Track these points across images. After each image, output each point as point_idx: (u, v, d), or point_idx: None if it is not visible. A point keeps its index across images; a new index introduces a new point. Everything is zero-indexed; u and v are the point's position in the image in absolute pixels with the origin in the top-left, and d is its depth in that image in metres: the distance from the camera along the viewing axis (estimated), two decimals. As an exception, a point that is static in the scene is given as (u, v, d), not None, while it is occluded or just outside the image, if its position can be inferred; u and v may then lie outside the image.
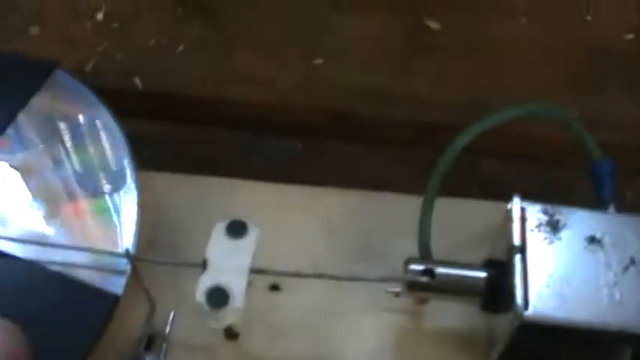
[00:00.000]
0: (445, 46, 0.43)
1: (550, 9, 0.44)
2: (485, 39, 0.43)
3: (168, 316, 0.32)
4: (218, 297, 0.28)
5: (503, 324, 0.29)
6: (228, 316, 0.29)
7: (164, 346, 0.32)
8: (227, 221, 0.30)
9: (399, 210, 0.35)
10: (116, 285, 0.30)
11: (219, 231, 0.30)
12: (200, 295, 0.28)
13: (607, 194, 0.33)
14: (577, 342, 0.28)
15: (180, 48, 0.43)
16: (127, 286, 0.31)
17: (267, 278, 0.33)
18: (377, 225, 0.35)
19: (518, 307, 0.27)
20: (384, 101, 0.41)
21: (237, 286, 0.28)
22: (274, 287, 0.33)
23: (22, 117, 0.35)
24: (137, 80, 0.42)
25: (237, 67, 0.42)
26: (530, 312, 0.27)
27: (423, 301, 0.32)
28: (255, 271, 0.29)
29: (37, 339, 0.29)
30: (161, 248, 0.33)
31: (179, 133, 0.41)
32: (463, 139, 0.31)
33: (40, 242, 0.31)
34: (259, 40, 0.42)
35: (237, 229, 0.30)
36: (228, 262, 0.29)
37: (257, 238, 0.30)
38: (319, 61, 0.42)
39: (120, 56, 0.43)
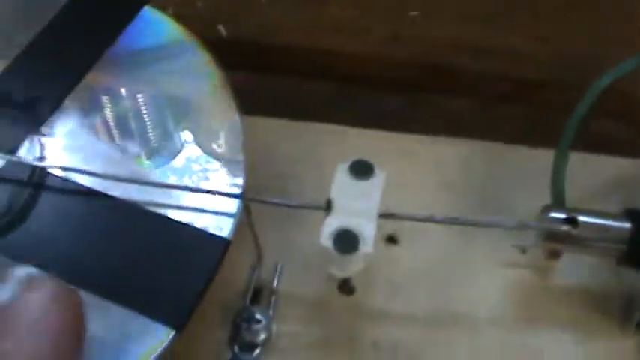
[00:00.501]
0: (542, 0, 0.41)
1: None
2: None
3: (274, 267, 0.30)
4: (347, 241, 0.26)
5: (648, 280, 0.27)
6: (356, 263, 0.27)
7: (272, 299, 0.30)
8: (351, 161, 0.28)
9: (513, 161, 0.33)
10: (225, 229, 0.28)
11: (342, 172, 0.28)
12: (326, 239, 0.26)
13: None
14: None
15: (266, -4, 0.41)
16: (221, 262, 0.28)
17: (383, 230, 0.31)
18: (492, 176, 0.32)
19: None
20: (479, 55, 0.39)
21: (366, 229, 0.26)
22: (391, 239, 0.31)
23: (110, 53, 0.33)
24: (221, 28, 0.40)
25: (328, 17, 0.40)
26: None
27: (554, 256, 0.30)
28: (383, 216, 0.27)
29: (147, 287, 0.27)
30: (269, 195, 0.30)
31: (266, 82, 0.38)
32: (602, 82, 0.29)
33: (148, 183, 0.29)
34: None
35: (362, 170, 0.28)
36: (355, 205, 0.27)
37: (384, 180, 0.28)
38: (415, 13, 0.40)
39: (200, 4, 0.41)
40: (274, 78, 0.39)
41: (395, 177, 0.28)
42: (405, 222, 0.30)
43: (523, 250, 0.30)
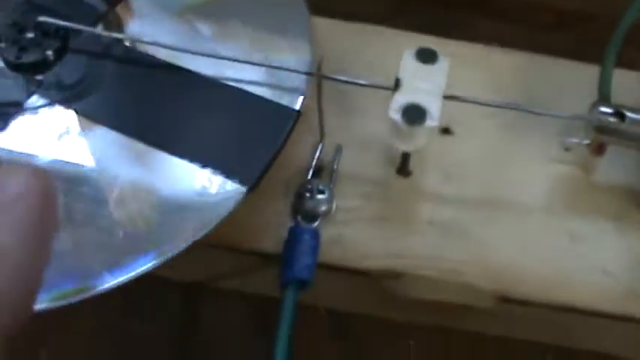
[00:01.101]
0: None
1: None
2: None
3: (335, 149, 0.32)
4: (414, 114, 0.28)
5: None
6: (423, 135, 0.28)
7: (333, 176, 0.31)
8: (416, 48, 0.30)
9: (562, 73, 0.35)
10: (297, 103, 0.30)
11: (409, 56, 0.30)
12: (395, 112, 0.28)
13: None
14: None
15: None
16: (292, 131, 0.30)
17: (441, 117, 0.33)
18: (543, 85, 0.35)
19: None
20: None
21: (433, 105, 0.28)
22: (446, 130, 0.33)
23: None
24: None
25: None
26: None
27: (598, 151, 0.32)
28: (447, 97, 0.29)
29: (223, 149, 0.29)
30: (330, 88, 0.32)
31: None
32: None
33: (225, 57, 0.30)
34: None
35: (427, 56, 0.30)
36: (421, 84, 0.29)
37: (448, 67, 0.30)
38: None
39: None
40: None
41: (451, 80, 0.30)
42: (458, 115, 0.33)
43: (567, 148, 0.32)
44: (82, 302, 0.26)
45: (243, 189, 0.28)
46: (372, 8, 0.39)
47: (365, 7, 0.39)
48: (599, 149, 0.32)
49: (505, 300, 0.30)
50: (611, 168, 0.32)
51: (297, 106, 0.30)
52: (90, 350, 0.34)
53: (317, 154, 0.31)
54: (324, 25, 0.35)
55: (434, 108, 0.28)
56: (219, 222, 0.28)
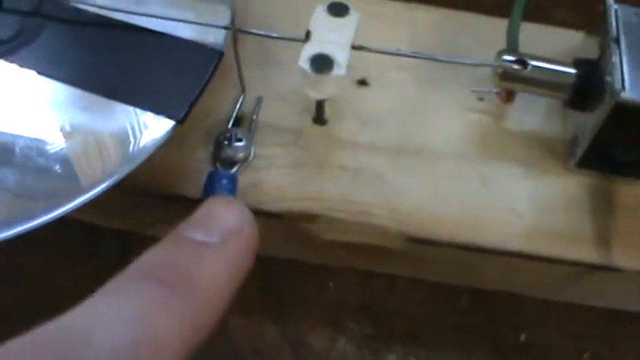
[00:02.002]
0: None
1: None
2: None
3: (255, 101, 0.34)
4: (322, 63, 0.30)
5: (590, 119, 0.32)
6: (330, 84, 0.31)
7: (252, 125, 0.34)
8: (328, 2, 0.32)
9: (480, 29, 0.37)
10: (218, 45, 0.32)
11: (320, 10, 0.32)
12: (304, 61, 0.30)
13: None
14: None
15: None
16: (216, 70, 0.33)
17: (355, 73, 0.35)
18: (459, 39, 0.37)
19: (616, 89, 0.30)
20: None
21: (340, 55, 0.30)
22: (362, 82, 0.35)
23: None
24: None
25: None
26: (626, 94, 0.30)
27: (508, 99, 0.34)
28: (355, 48, 0.31)
29: (153, 88, 0.31)
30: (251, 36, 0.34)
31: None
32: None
33: (153, 15, 0.33)
34: None
35: (338, 9, 0.32)
36: (330, 36, 0.31)
37: (358, 19, 0.32)
38: None
39: None
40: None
41: (367, 34, 0.32)
42: (375, 68, 0.35)
43: (481, 98, 0.35)
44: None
45: (172, 122, 0.30)
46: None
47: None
48: (508, 97, 0.34)
49: (414, 240, 0.32)
50: (522, 115, 0.35)
51: (220, 47, 0.32)
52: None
53: (237, 105, 0.34)
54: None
55: (341, 57, 0.30)
56: (152, 153, 0.30)
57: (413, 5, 0.38)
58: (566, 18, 0.43)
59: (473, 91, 0.34)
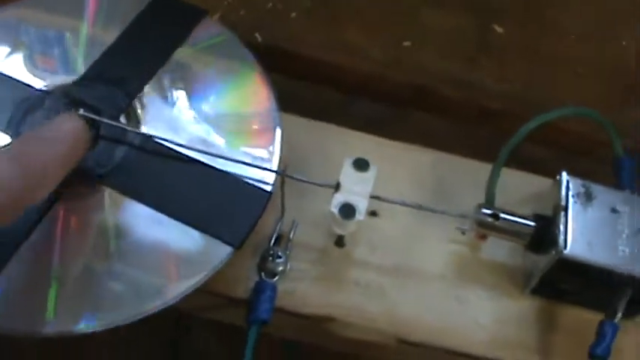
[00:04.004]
0: (506, 47, 0.59)
1: (594, 32, 0.60)
2: (539, 48, 0.59)
3: (292, 224, 0.48)
4: (348, 210, 0.44)
5: (542, 262, 0.45)
6: (352, 226, 0.44)
7: (289, 245, 0.47)
8: (354, 158, 0.46)
9: (468, 171, 0.51)
10: (269, 187, 0.46)
11: (348, 164, 0.45)
12: (334, 208, 0.44)
13: (626, 182, 0.49)
14: (594, 278, 0.44)
15: (294, 14, 0.58)
16: (267, 206, 0.46)
17: (368, 207, 0.49)
18: (450, 179, 0.51)
19: (560, 246, 0.43)
20: (455, 84, 0.57)
21: (362, 204, 0.44)
22: (373, 213, 0.49)
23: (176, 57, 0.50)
24: (257, 35, 0.57)
25: (340, 38, 0.57)
26: (567, 251, 0.44)
27: (482, 238, 0.48)
28: (372, 197, 0.45)
29: (217, 217, 0.44)
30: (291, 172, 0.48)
31: (289, 84, 0.56)
32: (533, 124, 0.47)
33: (224, 157, 0.46)
34: (361, 19, 0.58)
35: (362, 165, 0.45)
36: (354, 188, 0.45)
37: (376, 174, 0.45)
38: (407, 43, 0.58)
39: (243, 12, 0.58)
40: (294, 82, 0.56)
41: (380, 170, 0.46)
42: (385, 203, 0.48)
43: (463, 232, 0.48)
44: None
45: (231, 248, 0.44)
46: (322, 105, 0.55)
47: (318, 104, 0.55)
48: (482, 236, 0.48)
49: (404, 342, 0.46)
50: (492, 250, 0.49)
51: (269, 189, 0.46)
52: None
53: (277, 227, 0.47)
54: (286, 119, 0.50)
55: (362, 206, 0.44)
56: (215, 272, 0.43)
57: (414, 147, 0.52)
58: (544, 154, 0.58)
59: (456, 228, 0.48)
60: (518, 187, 0.50)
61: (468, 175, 0.51)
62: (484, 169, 0.48)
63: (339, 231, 0.46)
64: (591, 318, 0.45)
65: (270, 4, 0.58)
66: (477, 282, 0.48)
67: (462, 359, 0.47)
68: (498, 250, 0.49)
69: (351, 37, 0.58)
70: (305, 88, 0.56)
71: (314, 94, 0.57)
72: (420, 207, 0.46)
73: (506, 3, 0.60)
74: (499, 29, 0.59)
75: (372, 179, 0.45)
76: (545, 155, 0.56)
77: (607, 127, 0.50)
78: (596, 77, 0.59)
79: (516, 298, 0.48)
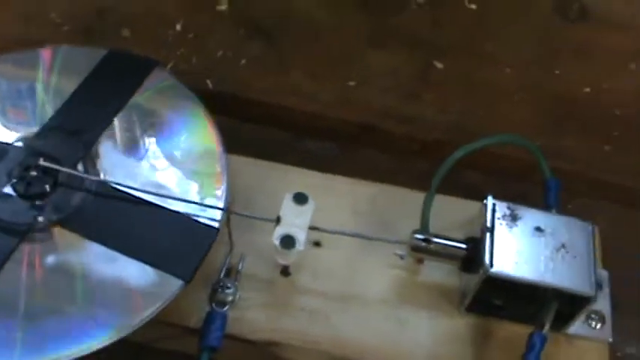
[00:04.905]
0: (446, 81, 0.65)
1: (528, 63, 0.65)
2: (477, 80, 0.65)
3: (240, 257, 0.52)
4: (288, 242, 0.49)
5: (473, 280, 0.50)
6: (293, 255, 0.49)
7: (238, 275, 0.52)
8: (294, 193, 0.51)
9: (406, 201, 0.56)
10: (215, 223, 0.50)
11: (288, 199, 0.50)
12: (276, 239, 0.49)
13: (552, 202, 0.54)
14: (521, 293, 0.49)
15: (243, 61, 0.63)
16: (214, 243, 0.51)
17: (312, 237, 0.54)
18: (388, 209, 0.55)
19: (486, 265, 0.48)
20: (398, 120, 0.62)
21: (301, 235, 0.49)
22: (317, 244, 0.54)
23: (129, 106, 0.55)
24: (208, 82, 0.62)
25: (288, 81, 0.63)
26: (493, 269, 0.48)
27: (419, 261, 0.53)
28: (311, 228, 0.50)
29: (168, 253, 0.49)
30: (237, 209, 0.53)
31: (239, 127, 0.61)
32: (459, 153, 0.52)
33: (164, 195, 0.51)
34: (307, 63, 0.63)
35: (301, 199, 0.50)
36: (294, 220, 0.50)
37: (314, 207, 0.50)
38: (352, 83, 0.63)
39: (194, 61, 0.63)
40: (245, 125, 0.61)
41: (322, 204, 0.50)
42: (328, 234, 0.53)
43: (402, 257, 0.53)
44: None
45: (182, 282, 0.48)
46: (273, 146, 0.60)
47: (268, 144, 0.60)
48: (419, 260, 0.53)
49: (349, 362, 0.51)
50: (431, 273, 0.53)
51: (217, 225, 0.51)
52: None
53: (227, 260, 0.52)
54: (235, 160, 0.56)
55: (301, 237, 0.49)
56: (168, 304, 0.48)
57: (354, 180, 0.57)
58: (482, 180, 0.63)
59: (395, 253, 0.53)
60: (454, 213, 0.54)
61: (406, 205, 0.55)
62: (422, 198, 0.53)
63: (281, 261, 0.50)
64: (524, 332, 0.49)
65: (221, 52, 0.63)
66: (417, 304, 0.53)
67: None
68: (436, 272, 0.53)
69: (298, 80, 0.63)
70: (256, 130, 0.61)
71: (264, 135, 0.62)
72: (357, 235, 0.51)
73: (446, 40, 0.66)
74: (439, 65, 0.65)
75: (311, 212, 0.50)
76: (483, 180, 0.61)
77: (533, 151, 0.55)
78: (532, 105, 0.64)
79: (454, 316, 0.52)
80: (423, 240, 0.51)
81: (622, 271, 0.59)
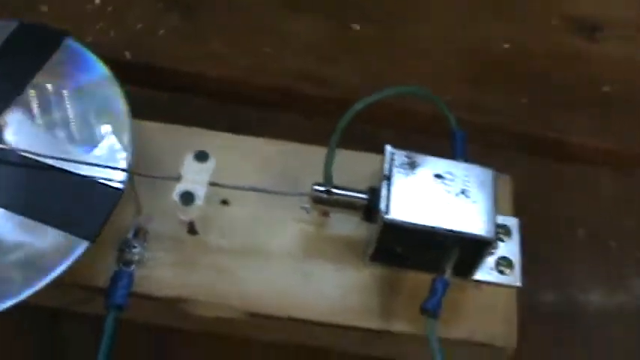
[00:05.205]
0: (364, 43, 0.66)
1: (447, 20, 0.66)
2: (394, 39, 0.66)
3: (148, 217, 0.54)
4: (188, 198, 0.50)
5: (374, 230, 0.51)
6: (194, 211, 0.50)
7: (146, 235, 0.53)
8: (196, 151, 0.52)
9: (314, 157, 0.56)
10: (120, 185, 0.52)
11: (189, 157, 0.52)
12: (176, 196, 0.50)
13: (458, 153, 0.55)
14: (422, 239, 0.50)
15: (162, 32, 0.65)
16: (123, 195, 0.52)
17: (220, 195, 0.55)
18: (298, 167, 0.56)
19: (382, 213, 0.49)
20: (315, 83, 0.63)
21: (200, 191, 0.50)
22: (225, 202, 0.55)
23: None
24: (127, 53, 0.63)
25: (206, 50, 0.64)
26: (389, 216, 0.49)
27: (325, 214, 0.54)
28: (211, 184, 0.51)
29: (73, 213, 0.50)
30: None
31: (158, 97, 0.62)
32: (359, 105, 0.53)
33: (68, 159, 0.52)
34: (225, 30, 0.65)
35: (202, 157, 0.52)
36: (195, 177, 0.51)
37: (214, 164, 0.51)
38: (269, 49, 0.65)
39: (113, 34, 0.64)
40: (163, 95, 0.63)
41: (230, 163, 0.52)
42: (234, 191, 0.54)
43: (307, 211, 0.54)
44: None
45: (87, 242, 0.50)
46: (189, 111, 0.62)
47: (184, 110, 0.61)
48: (325, 213, 0.54)
49: (255, 315, 0.52)
50: (338, 225, 0.55)
51: (121, 187, 0.52)
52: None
53: (135, 221, 0.53)
54: (147, 126, 0.57)
55: (200, 193, 0.50)
56: (74, 264, 0.49)
57: (263, 139, 0.58)
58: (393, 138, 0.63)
59: (301, 207, 0.54)
60: (362, 167, 0.55)
61: (314, 161, 0.56)
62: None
63: (183, 217, 0.52)
64: (429, 279, 0.51)
65: (140, 25, 0.65)
66: (323, 256, 0.54)
67: (310, 327, 0.52)
68: (344, 225, 0.55)
69: (216, 48, 0.64)
70: (174, 99, 0.63)
71: (183, 104, 0.63)
72: (254, 189, 0.53)
73: (362, 1, 0.67)
74: (356, 26, 0.66)
75: (211, 169, 0.52)
76: (401, 138, 0.62)
77: (436, 102, 0.56)
78: (450, 62, 0.65)
79: (360, 268, 0.53)
80: (324, 192, 0.52)
81: (538, 220, 0.61)
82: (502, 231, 0.56)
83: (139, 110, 0.58)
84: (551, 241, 0.62)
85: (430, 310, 0.49)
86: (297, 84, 0.64)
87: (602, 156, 0.66)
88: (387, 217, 0.49)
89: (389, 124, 0.61)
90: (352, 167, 0.55)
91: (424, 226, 0.50)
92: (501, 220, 0.56)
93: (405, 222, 0.50)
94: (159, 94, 0.63)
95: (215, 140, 0.58)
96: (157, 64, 0.64)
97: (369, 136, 0.57)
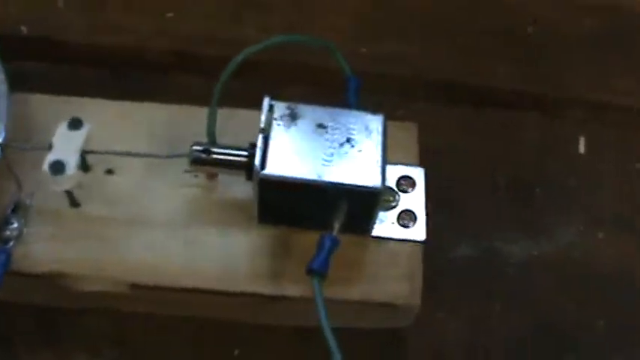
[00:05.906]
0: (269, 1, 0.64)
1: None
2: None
3: (30, 193, 0.53)
4: (57, 167, 0.49)
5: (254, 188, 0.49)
6: (65, 181, 0.49)
7: (26, 211, 0.52)
8: (69, 119, 0.50)
9: (198, 119, 0.54)
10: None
11: (63, 125, 0.50)
12: (45, 166, 0.49)
13: (351, 101, 0.53)
14: (306, 194, 0.48)
15: (60, 4, 0.64)
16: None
17: (104, 165, 0.53)
18: (187, 130, 0.54)
19: (257, 168, 0.47)
20: (220, 45, 0.62)
21: (71, 160, 0.49)
22: (109, 171, 0.54)
23: None
24: (23, 27, 0.63)
25: (105, 18, 0.63)
26: (264, 171, 0.47)
27: (212, 177, 0.52)
28: (87, 152, 0.50)
29: None
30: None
31: (55, 70, 0.61)
32: (240, 57, 0.51)
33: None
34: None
35: (75, 124, 0.50)
36: (66, 146, 0.50)
37: (88, 130, 0.50)
38: (170, 14, 0.63)
39: (10, 8, 0.64)
40: (60, 66, 0.61)
41: (117, 131, 0.50)
42: (119, 160, 0.53)
43: (196, 175, 0.52)
44: None
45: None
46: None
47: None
48: (211, 175, 0.52)
49: (137, 287, 0.50)
50: (225, 187, 0.53)
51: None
52: None
53: (12, 197, 0.52)
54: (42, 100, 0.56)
55: (72, 162, 0.49)
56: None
57: (149, 104, 0.57)
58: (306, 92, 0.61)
59: (185, 171, 0.52)
60: (250, 125, 0.54)
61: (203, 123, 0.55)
62: (221, 115, 0.53)
63: (56, 188, 0.50)
64: (321, 238, 0.49)
65: (39, -3, 0.64)
66: (209, 221, 0.52)
67: (197, 295, 0.51)
68: (232, 187, 0.53)
69: (116, 17, 0.63)
70: (72, 71, 0.62)
71: (82, 76, 0.62)
72: (128, 154, 0.51)
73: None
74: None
75: (84, 135, 0.50)
76: (311, 95, 0.60)
77: (330, 49, 0.54)
78: (356, 14, 0.63)
79: (248, 231, 0.52)
80: (203, 151, 0.51)
81: (452, 171, 0.58)
82: (405, 182, 0.54)
83: (36, 84, 0.57)
84: (471, 191, 0.59)
85: (315, 270, 0.47)
86: (201, 47, 0.62)
87: (526, 100, 0.63)
88: (262, 172, 0.48)
89: (293, 80, 0.59)
90: (244, 126, 0.53)
91: (303, 179, 0.48)
92: (405, 170, 0.54)
93: (281, 176, 0.48)
94: (52, 67, 0.62)
95: (109, 109, 0.56)
96: (54, 38, 0.62)
97: (273, 93, 0.54)
